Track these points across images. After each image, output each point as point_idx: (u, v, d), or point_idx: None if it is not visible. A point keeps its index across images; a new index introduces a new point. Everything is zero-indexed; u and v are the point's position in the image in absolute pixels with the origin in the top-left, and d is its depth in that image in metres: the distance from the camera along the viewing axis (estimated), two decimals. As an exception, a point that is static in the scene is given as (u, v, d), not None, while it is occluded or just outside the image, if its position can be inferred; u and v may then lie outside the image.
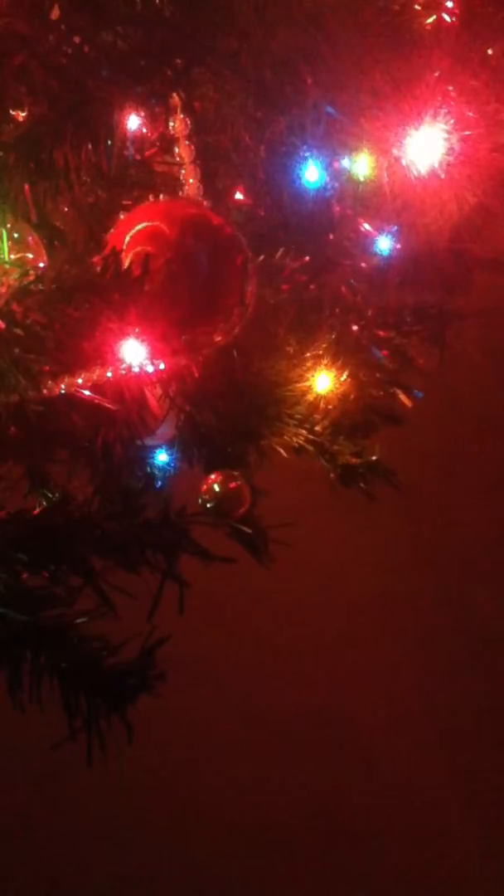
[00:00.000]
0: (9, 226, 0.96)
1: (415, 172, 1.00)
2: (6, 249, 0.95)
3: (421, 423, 1.27)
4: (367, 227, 1.13)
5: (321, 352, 1.17)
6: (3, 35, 0.92)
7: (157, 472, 1.19)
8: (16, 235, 0.96)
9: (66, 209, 1.04)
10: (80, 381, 0.97)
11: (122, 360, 0.95)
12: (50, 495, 1.10)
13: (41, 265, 0.96)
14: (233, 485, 1.10)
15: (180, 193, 1.01)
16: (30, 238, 0.97)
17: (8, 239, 0.95)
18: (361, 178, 1.06)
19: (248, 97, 1.01)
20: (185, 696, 1.41)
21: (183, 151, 1.00)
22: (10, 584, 0.96)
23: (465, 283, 1.27)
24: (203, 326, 0.98)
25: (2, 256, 0.94)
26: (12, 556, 0.97)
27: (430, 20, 1.02)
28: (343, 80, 0.98)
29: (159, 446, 1.17)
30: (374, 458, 1.19)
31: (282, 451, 1.18)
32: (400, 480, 1.20)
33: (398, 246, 1.15)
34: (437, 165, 0.99)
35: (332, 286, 1.18)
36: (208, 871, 1.68)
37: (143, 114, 0.99)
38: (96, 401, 0.98)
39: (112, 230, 0.99)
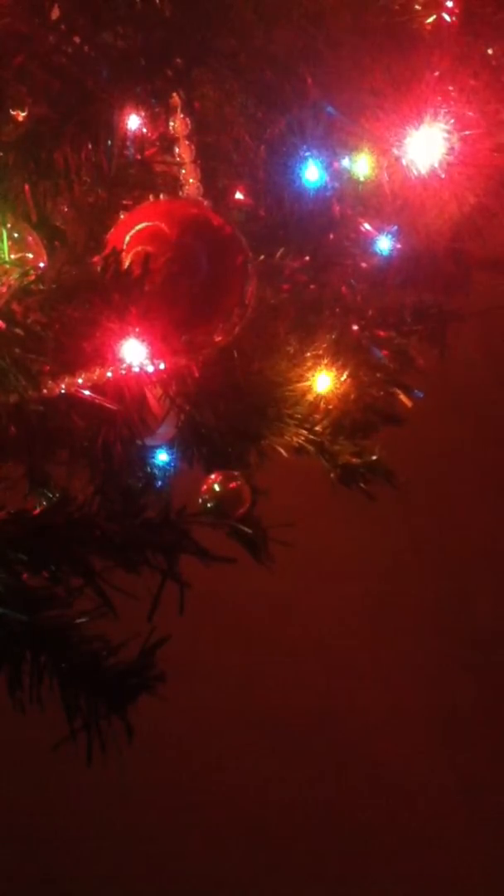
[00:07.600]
0: (9, 226, 0.96)
1: (415, 172, 1.00)
2: (6, 249, 0.95)
3: (421, 423, 1.27)
4: (367, 227, 1.13)
5: (321, 352, 1.17)
6: (3, 35, 0.92)
7: (157, 472, 1.19)
8: (16, 235, 0.96)
9: (66, 209, 1.04)
10: (80, 381, 0.97)
11: (122, 360, 0.95)
12: (50, 495, 1.10)
13: (41, 265, 0.96)
14: (233, 485, 1.10)
15: (180, 193, 1.01)
16: (30, 238, 0.97)
17: (8, 239, 0.95)
18: (361, 178, 1.06)
19: (248, 97, 1.01)
20: (185, 697, 1.41)
21: (183, 151, 1.00)
22: (10, 584, 0.96)
23: (465, 283, 1.27)
24: (203, 326, 0.98)
25: (2, 256, 0.94)
26: (12, 556, 0.97)
27: (430, 20, 1.02)
28: (343, 80, 0.98)
29: (159, 446, 1.17)
30: (374, 458, 1.19)
31: (282, 451, 1.18)
32: (400, 480, 1.20)
33: (398, 246, 1.15)
34: (437, 165, 0.99)
35: (332, 286, 1.18)
36: (208, 872, 1.68)
37: (143, 114, 0.99)
38: (96, 401, 0.98)
39: (112, 230, 0.99)
